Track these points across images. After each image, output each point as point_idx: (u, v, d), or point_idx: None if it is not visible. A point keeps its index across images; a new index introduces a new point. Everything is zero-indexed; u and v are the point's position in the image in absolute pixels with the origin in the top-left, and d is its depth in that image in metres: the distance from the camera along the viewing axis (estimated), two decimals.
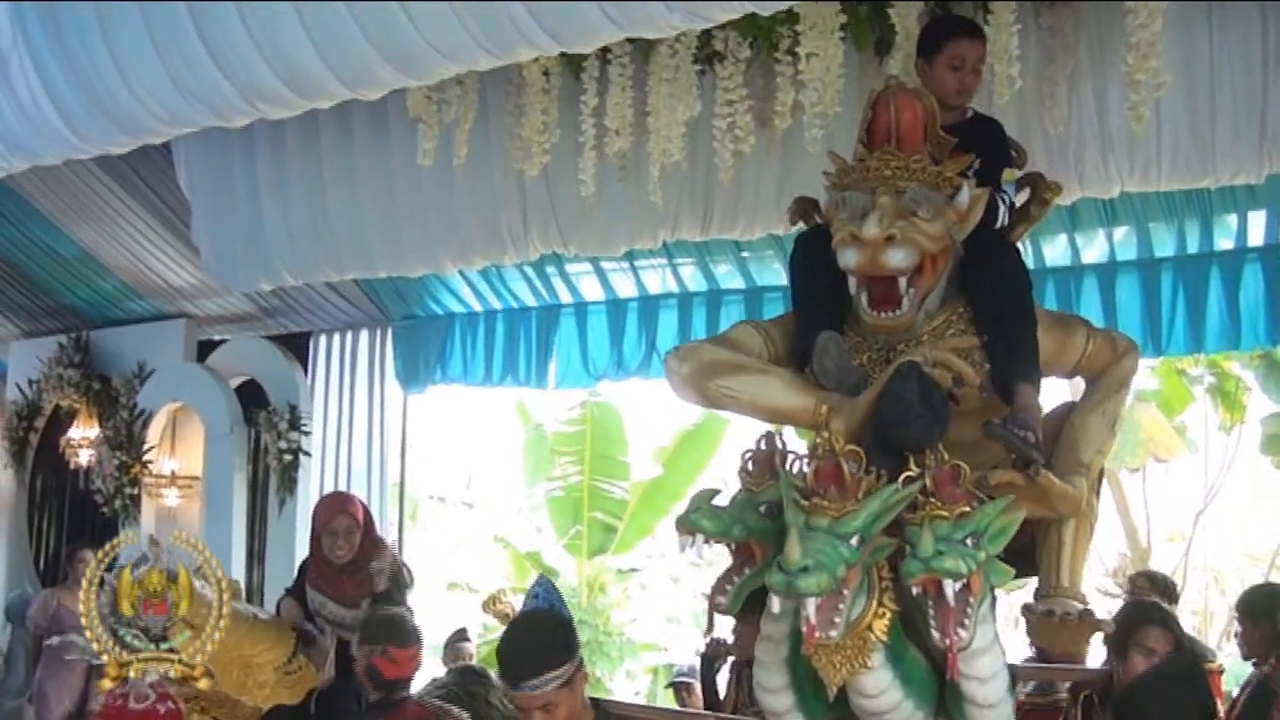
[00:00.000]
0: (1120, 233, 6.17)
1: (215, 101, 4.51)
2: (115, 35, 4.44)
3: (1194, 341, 6.11)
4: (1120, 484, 12.21)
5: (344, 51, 4.12)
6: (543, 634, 3.33)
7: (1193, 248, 6.00)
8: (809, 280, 3.73)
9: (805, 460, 3.09)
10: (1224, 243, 5.97)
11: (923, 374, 3.25)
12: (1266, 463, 12.25)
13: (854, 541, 2.85)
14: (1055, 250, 6.30)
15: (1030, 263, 6.15)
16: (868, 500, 2.90)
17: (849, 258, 3.38)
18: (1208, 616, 13.39)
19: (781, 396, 3.48)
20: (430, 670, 6.86)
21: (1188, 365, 11.73)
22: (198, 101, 4.52)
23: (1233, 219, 5.91)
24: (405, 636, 4.67)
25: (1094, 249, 6.29)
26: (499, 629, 3.74)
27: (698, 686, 7.38)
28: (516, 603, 5.57)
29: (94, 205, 7.92)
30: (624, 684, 12.76)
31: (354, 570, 5.51)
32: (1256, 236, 5.90)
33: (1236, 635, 5.01)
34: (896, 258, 3.31)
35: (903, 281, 3.39)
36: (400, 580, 5.57)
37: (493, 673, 5.99)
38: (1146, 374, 11.87)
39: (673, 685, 7.47)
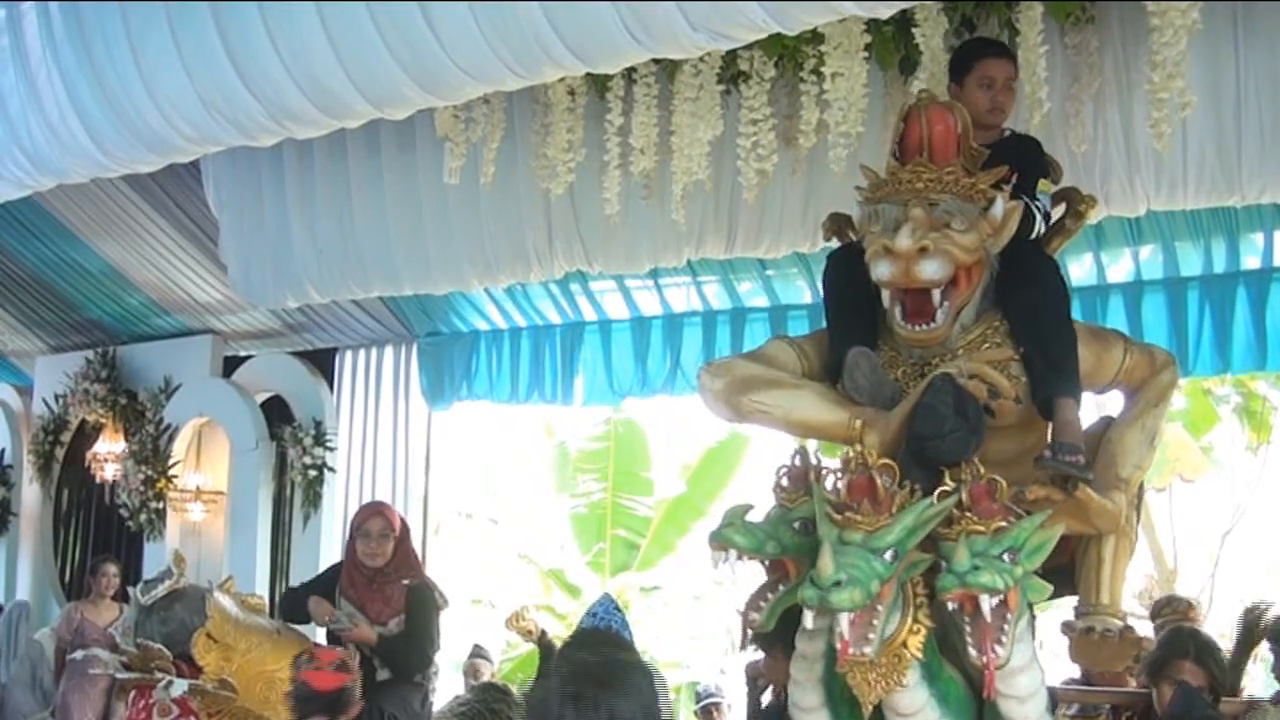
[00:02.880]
0: (1146, 252, 6.15)
1: (243, 121, 4.54)
2: (144, 54, 4.48)
3: (1220, 361, 6.06)
4: (1147, 504, 12.09)
5: (371, 72, 4.15)
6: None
7: (1219, 267, 5.97)
8: (842, 295, 3.71)
9: (839, 475, 3.07)
10: (1251, 262, 5.93)
11: (957, 386, 3.23)
12: None
13: (888, 556, 2.83)
14: (1081, 269, 6.27)
15: None
16: (902, 515, 2.88)
17: (882, 270, 3.36)
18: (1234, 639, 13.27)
19: (815, 411, 3.46)
20: (451, 688, 6.87)
21: (1214, 385, 11.66)
22: (225, 121, 4.55)
23: (1259, 238, 5.88)
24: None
25: (1120, 268, 6.26)
26: (521, 645, 3.75)
27: (725, 706, 7.36)
28: (539, 619, 5.58)
29: (122, 222, 7.98)
30: None
31: (385, 581, 5.53)
32: None
33: (1274, 666, 4.90)
34: (930, 269, 3.29)
35: (937, 294, 3.37)
36: (428, 605, 5.59)
37: (515, 690, 5.99)
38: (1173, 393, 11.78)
39: (702, 708, 7.44)
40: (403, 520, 5.78)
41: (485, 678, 7.17)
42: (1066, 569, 3.61)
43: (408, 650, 5.45)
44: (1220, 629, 12.83)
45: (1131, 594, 12.39)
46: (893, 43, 4.54)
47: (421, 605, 5.52)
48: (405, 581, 5.53)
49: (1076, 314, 6.05)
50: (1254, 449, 12.22)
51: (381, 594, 5.51)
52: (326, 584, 5.72)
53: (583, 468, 12.70)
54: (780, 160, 4.80)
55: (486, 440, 14.67)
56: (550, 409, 9.00)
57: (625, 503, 12.53)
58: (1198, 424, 12.04)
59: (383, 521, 5.61)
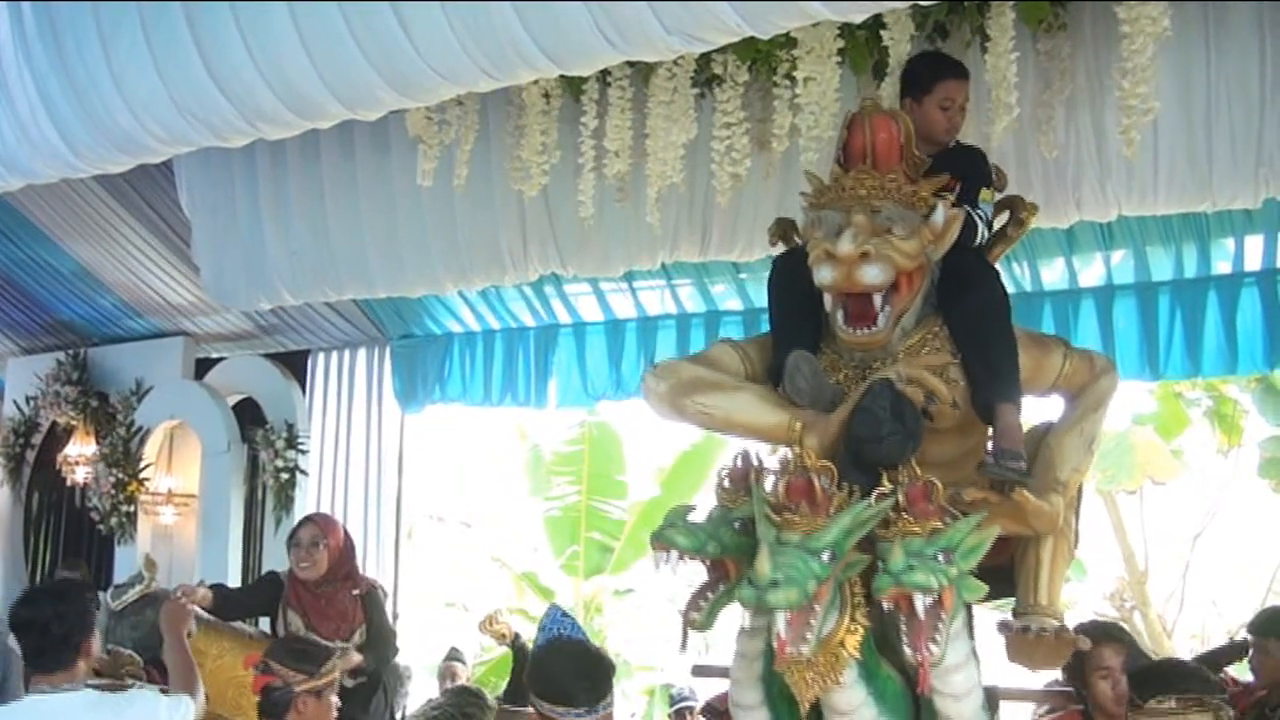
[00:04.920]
0: (1118, 256, 6.18)
1: (215, 121, 4.52)
2: (115, 53, 4.45)
3: (1191, 365, 6.10)
4: (1118, 507, 12.20)
5: (344, 73, 4.14)
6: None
7: (1190, 271, 6.01)
8: (786, 299, 3.76)
9: (778, 476, 3.12)
10: (1221, 266, 5.97)
11: (895, 390, 3.27)
12: (1264, 486, 12.24)
13: (825, 557, 2.88)
14: (1053, 274, 6.31)
15: (1028, 286, 6.18)
16: (839, 516, 2.94)
17: (824, 275, 3.41)
18: (1205, 640, 13.37)
19: (756, 413, 3.50)
20: (426, 691, 6.86)
21: (1185, 389, 11.74)
22: (197, 121, 4.52)
23: (1230, 243, 5.92)
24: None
25: (1092, 272, 6.29)
26: (495, 649, 3.76)
27: (699, 709, 7.35)
28: (513, 623, 5.58)
29: (94, 222, 7.93)
30: (620, 705, 12.72)
31: (331, 595, 5.49)
32: (1254, 261, 5.91)
33: (1250, 660, 4.94)
34: (870, 274, 3.35)
35: (878, 298, 3.42)
36: (383, 607, 5.63)
37: (488, 693, 5.98)
38: (1144, 397, 11.87)
39: (676, 711, 7.42)
40: (346, 535, 5.73)
41: (460, 680, 7.15)
42: (1006, 569, 3.67)
43: (387, 657, 5.51)
44: (1190, 630, 12.95)
45: (1103, 595, 12.48)
46: (865, 47, 4.56)
47: (380, 610, 5.59)
48: (355, 592, 5.53)
49: (1049, 318, 6.17)
50: (1224, 452, 12.32)
51: (334, 609, 5.45)
52: (267, 594, 5.63)
53: (556, 471, 12.67)
54: (754, 164, 4.81)
55: (460, 443, 14.66)
56: (524, 412, 8.98)
57: (599, 506, 12.50)
58: (1169, 427, 12.13)
59: (313, 530, 5.56)
